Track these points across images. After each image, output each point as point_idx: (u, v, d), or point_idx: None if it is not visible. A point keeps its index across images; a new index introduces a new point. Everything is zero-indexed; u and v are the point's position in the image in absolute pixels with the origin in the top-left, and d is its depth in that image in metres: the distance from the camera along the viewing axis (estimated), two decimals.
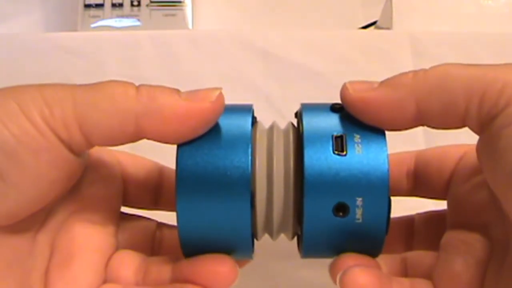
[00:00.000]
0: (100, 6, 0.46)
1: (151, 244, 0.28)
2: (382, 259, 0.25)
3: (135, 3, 0.46)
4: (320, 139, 0.23)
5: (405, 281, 0.24)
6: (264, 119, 0.26)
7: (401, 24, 0.46)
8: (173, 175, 0.22)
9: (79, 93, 0.21)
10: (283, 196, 0.23)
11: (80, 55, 0.41)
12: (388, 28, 0.46)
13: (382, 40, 0.43)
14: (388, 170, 0.22)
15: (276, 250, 0.36)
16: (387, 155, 0.23)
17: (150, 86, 0.22)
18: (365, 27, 0.47)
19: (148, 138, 0.22)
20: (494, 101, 0.21)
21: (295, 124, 0.25)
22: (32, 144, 0.20)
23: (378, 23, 0.47)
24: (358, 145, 0.23)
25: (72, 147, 0.22)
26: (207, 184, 0.22)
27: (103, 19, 0.46)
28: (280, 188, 0.23)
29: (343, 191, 0.22)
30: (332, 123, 0.23)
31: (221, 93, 0.22)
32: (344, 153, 0.22)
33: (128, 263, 0.25)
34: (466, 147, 0.26)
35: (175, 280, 0.24)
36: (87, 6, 0.46)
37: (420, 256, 0.26)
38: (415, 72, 0.22)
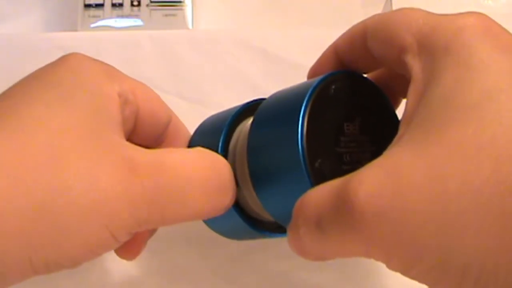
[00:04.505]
0: (100, 6, 0.46)
1: None
2: None
3: (135, 3, 0.46)
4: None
5: None
6: None
7: None
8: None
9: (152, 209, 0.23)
10: None
11: None
12: None
13: None
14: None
15: (276, 250, 0.36)
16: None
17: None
18: None
19: None
20: None
21: None
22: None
23: None
24: None
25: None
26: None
27: (103, 19, 0.46)
28: None
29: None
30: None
31: None
32: None
33: None
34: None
35: None
36: (87, 6, 0.46)
37: None
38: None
